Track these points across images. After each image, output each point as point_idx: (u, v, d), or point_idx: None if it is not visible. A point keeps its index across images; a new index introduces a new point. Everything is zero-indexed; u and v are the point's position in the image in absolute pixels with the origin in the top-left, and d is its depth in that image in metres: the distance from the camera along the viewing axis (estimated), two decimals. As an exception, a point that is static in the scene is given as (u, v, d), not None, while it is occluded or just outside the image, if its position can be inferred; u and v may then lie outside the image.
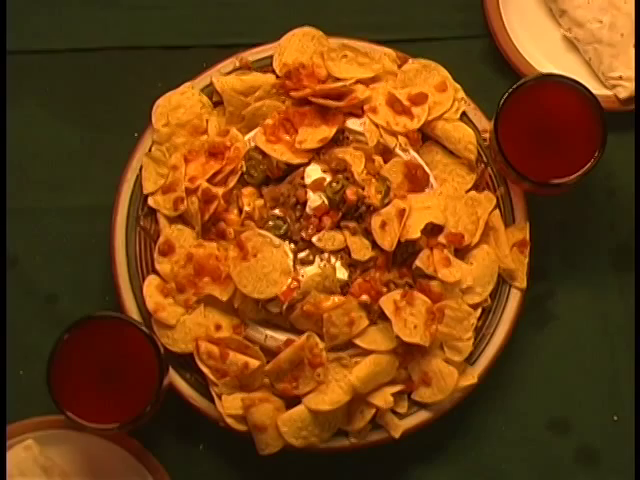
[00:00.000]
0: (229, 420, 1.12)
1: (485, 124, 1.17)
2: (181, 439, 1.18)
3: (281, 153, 1.13)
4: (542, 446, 1.18)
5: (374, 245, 1.10)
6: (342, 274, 1.10)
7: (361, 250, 1.10)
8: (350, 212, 1.10)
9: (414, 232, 1.09)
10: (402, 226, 1.09)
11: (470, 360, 1.14)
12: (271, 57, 1.18)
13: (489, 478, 1.19)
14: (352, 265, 1.11)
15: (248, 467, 1.17)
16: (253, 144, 1.14)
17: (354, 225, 1.10)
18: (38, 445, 1.13)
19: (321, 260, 1.11)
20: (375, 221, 1.10)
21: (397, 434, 1.13)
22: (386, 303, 1.09)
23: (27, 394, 1.15)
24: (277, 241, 1.10)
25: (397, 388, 1.12)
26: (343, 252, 1.11)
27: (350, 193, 1.09)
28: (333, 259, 1.10)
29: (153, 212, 1.15)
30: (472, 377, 1.13)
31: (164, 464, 1.14)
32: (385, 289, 1.11)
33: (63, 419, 1.10)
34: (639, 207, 1.19)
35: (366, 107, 1.15)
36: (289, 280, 1.10)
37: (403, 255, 1.12)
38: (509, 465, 1.18)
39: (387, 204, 1.11)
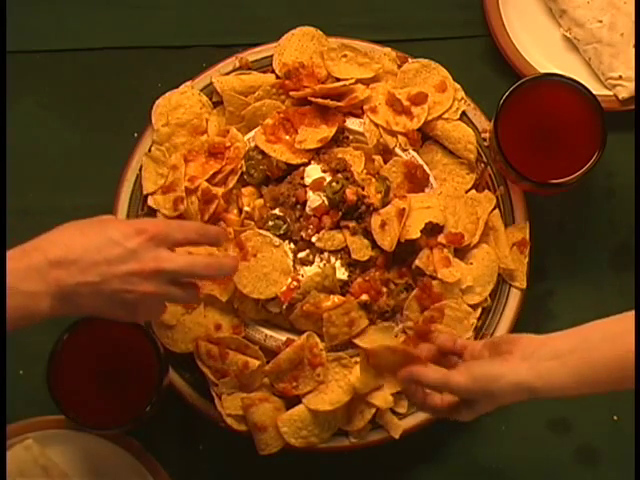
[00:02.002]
0: (229, 420, 1.12)
1: (485, 124, 1.17)
2: (181, 439, 1.18)
3: (281, 153, 1.13)
4: (542, 446, 1.18)
5: (374, 245, 1.10)
6: (342, 274, 1.10)
7: (361, 250, 1.10)
8: (350, 212, 1.10)
9: (414, 232, 1.09)
10: (402, 226, 1.09)
11: (470, 360, 1.14)
12: (271, 57, 1.18)
13: (489, 478, 1.19)
14: (352, 265, 1.11)
15: (248, 467, 1.17)
16: (253, 144, 1.14)
17: (354, 225, 1.10)
18: (38, 445, 1.13)
19: (321, 260, 1.11)
20: (375, 221, 1.10)
21: (397, 434, 1.13)
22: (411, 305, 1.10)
23: (27, 394, 1.14)
24: (277, 241, 1.10)
25: (397, 388, 1.12)
26: (343, 252, 1.11)
27: (350, 193, 1.09)
28: (333, 259, 1.10)
29: (153, 212, 1.15)
30: (472, 377, 1.13)
31: (164, 464, 1.14)
32: (385, 289, 1.11)
33: (63, 419, 1.10)
34: (639, 207, 1.19)
35: (366, 107, 1.15)
36: (289, 280, 1.10)
37: (403, 255, 1.12)
38: (509, 465, 1.18)
39: (387, 204, 1.11)
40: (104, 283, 0.90)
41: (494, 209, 1.16)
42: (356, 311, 1.09)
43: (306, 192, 1.11)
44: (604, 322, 0.94)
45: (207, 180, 1.13)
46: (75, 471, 1.14)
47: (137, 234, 0.91)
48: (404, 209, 1.10)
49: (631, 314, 0.91)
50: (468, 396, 0.96)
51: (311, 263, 1.11)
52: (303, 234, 1.10)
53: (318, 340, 1.10)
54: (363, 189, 1.11)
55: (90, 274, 0.89)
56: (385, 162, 1.14)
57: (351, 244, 1.10)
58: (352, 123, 1.15)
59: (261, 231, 1.10)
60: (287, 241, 1.11)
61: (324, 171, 1.12)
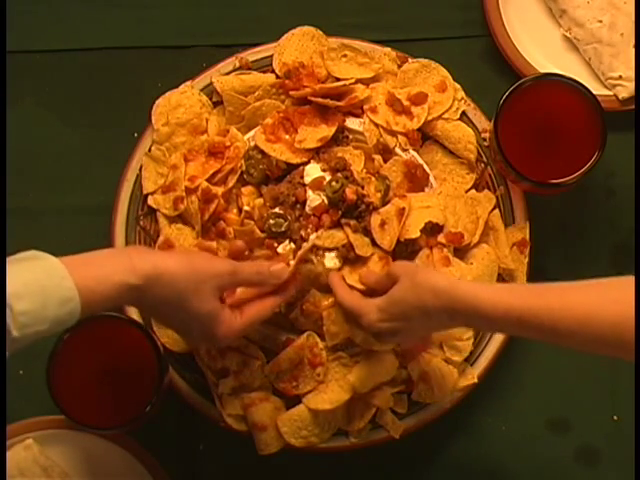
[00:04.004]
0: (229, 420, 1.12)
1: (485, 124, 1.17)
2: (181, 439, 1.18)
3: (281, 152, 1.13)
4: (542, 446, 1.18)
5: (374, 244, 1.10)
6: (333, 263, 1.09)
7: (364, 246, 1.10)
8: (350, 211, 1.10)
9: (414, 231, 1.09)
10: (402, 225, 1.09)
11: (470, 360, 1.14)
12: (271, 57, 1.18)
13: (489, 478, 1.19)
14: (346, 259, 1.10)
15: (248, 467, 1.17)
16: (253, 143, 1.14)
17: (354, 223, 1.10)
18: (38, 445, 1.13)
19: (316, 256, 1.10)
20: (375, 220, 1.10)
21: (397, 434, 1.13)
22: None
23: (27, 394, 1.14)
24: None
25: (397, 388, 1.12)
26: (342, 247, 1.10)
27: (349, 192, 1.09)
28: (327, 253, 1.10)
29: (153, 212, 1.16)
30: (472, 377, 1.13)
31: (164, 464, 1.14)
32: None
33: (63, 419, 1.10)
34: (639, 207, 1.19)
35: (366, 107, 1.15)
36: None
37: (403, 255, 1.11)
38: (509, 465, 1.18)
39: (387, 203, 1.11)
40: (183, 326, 0.98)
41: (494, 209, 1.16)
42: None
43: (306, 191, 1.10)
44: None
45: (207, 179, 1.12)
46: (75, 471, 1.14)
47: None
48: (404, 208, 1.09)
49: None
50: (388, 277, 0.98)
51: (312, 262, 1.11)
52: (303, 233, 1.10)
53: (318, 340, 1.10)
54: (363, 188, 1.11)
55: (173, 324, 0.98)
56: (385, 162, 1.14)
57: (354, 241, 1.09)
58: (352, 123, 1.15)
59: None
60: (287, 240, 1.10)
61: (324, 170, 1.12)
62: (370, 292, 1.03)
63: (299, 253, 1.07)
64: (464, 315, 0.92)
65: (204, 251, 1.04)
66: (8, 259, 0.84)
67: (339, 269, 1.10)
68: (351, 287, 1.06)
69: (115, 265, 0.88)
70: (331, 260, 1.09)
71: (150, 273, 0.89)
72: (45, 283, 0.83)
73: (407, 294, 0.95)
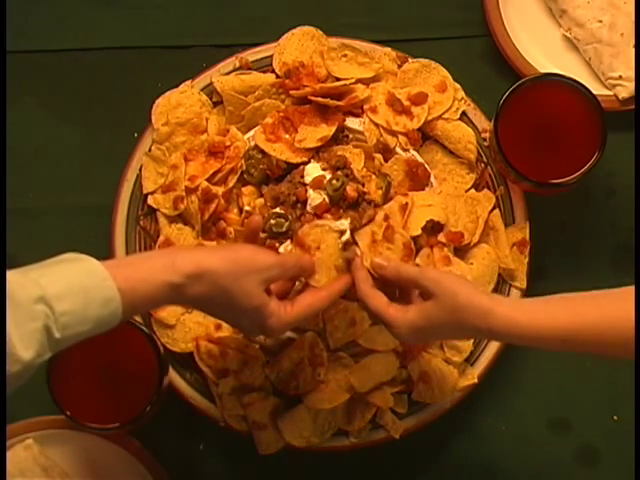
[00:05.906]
0: (229, 420, 1.12)
1: (485, 124, 1.17)
2: (181, 439, 1.18)
3: (281, 152, 1.12)
4: (542, 446, 1.18)
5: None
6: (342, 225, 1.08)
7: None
8: (351, 208, 1.09)
9: (415, 229, 1.09)
10: (404, 221, 1.09)
11: (470, 360, 1.14)
12: (271, 57, 1.18)
13: (489, 478, 1.19)
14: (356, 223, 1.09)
15: (248, 467, 1.17)
16: (253, 143, 1.14)
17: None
18: (38, 445, 1.13)
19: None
20: (378, 215, 1.09)
21: (397, 434, 1.13)
22: (362, 235, 1.07)
23: (27, 394, 1.14)
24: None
25: (397, 388, 1.12)
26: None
27: (350, 189, 1.08)
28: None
29: (153, 212, 1.16)
30: (472, 377, 1.13)
31: (164, 464, 1.14)
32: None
33: (63, 419, 1.10)
34: (639, 207, 1.19)
35: (366, 107, 1.15)
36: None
37: (404, 253, 1.11)
38: (509, 465, 1.18)
39: (388, 200, 1.11)
40: (233, 320, 0.98)
41: (494, 209, 1.16)
42: (358, 312, 1.09)
43: (306, 191, 1.10)
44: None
45: (207, 179, 1.12)
46: (75, 471, 1.14)
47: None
48: (407, 204, 1.09)
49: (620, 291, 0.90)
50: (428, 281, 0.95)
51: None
52: (304, 233, 1.10)
53: (319, 340, 1.10)
54: (363, 186, 1.10)
55: (223, 318, 0.98)
56: (386, 161, 1.14)
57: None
58: (352, 122, 1.15)
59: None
60: (289, 240, 1.10)
61: (324, 169, 1.11)
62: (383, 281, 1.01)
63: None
64: (502, 337, 0.95)
65: (249, 243, 1.02)
66: (47, 261, 0.84)
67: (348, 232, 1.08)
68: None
69: (156, 265, 0.88)
70: (342, 224, 1.08)
71: (192, 272, 0.89)
72: (86, 284, 0.82)
73: (446, 316, 0.93)
